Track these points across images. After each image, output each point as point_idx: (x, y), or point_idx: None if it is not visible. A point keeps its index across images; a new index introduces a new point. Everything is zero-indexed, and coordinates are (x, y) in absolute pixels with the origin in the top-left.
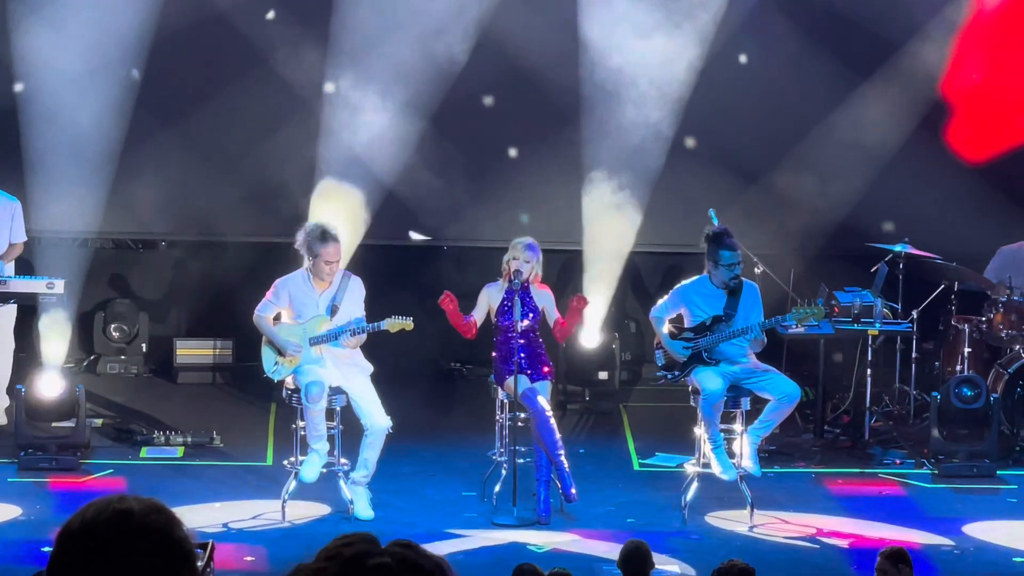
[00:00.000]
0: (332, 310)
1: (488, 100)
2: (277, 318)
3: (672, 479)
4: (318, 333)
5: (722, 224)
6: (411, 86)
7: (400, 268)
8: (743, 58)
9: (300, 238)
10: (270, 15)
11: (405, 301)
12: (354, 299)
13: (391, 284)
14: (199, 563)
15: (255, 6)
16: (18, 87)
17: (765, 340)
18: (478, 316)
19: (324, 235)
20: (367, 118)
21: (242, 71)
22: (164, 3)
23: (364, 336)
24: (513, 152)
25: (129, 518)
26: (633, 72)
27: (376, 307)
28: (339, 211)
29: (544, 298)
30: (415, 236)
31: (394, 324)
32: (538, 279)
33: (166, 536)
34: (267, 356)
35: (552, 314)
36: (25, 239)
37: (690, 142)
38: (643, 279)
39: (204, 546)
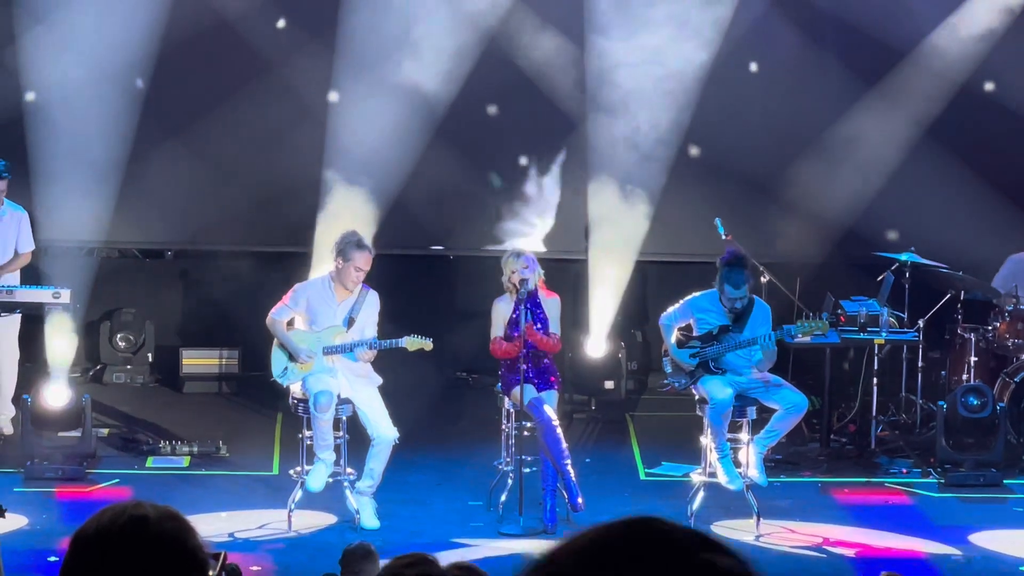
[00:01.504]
0: (348, 322)
1: (492, 109)
2: (290, 323)
3: (678, 488)
4: (332, 343)
5: (736, 247)
6: (417, 95)
7: (407, 278)
8: (753, 66)
9: (335, 242)
10: (280, 23)
11: (412, 311)
12: (370, 314)
13: (398, 294)
14: (212, 572)
15: (260, 16)
16: (29, 96)
17: (775, 355)
18: (501, 333)
19: (360, 243)
20: (373, 127)
21: (247, 80)
22: (170, 13)
23: (377, 350)
24: (524, 160)
25: (145, 525)
26: (639, 80)
27: (384, 317)
28: (345, 220)
29: (551, 307)
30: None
31: (413, 343)
32: (543, 284)
33: (181, 544)
34: (277, 360)
35: (554, 325)
36: (33, 248)
37: (694, 150)
38: (649, 288)
39: (217, 556)
